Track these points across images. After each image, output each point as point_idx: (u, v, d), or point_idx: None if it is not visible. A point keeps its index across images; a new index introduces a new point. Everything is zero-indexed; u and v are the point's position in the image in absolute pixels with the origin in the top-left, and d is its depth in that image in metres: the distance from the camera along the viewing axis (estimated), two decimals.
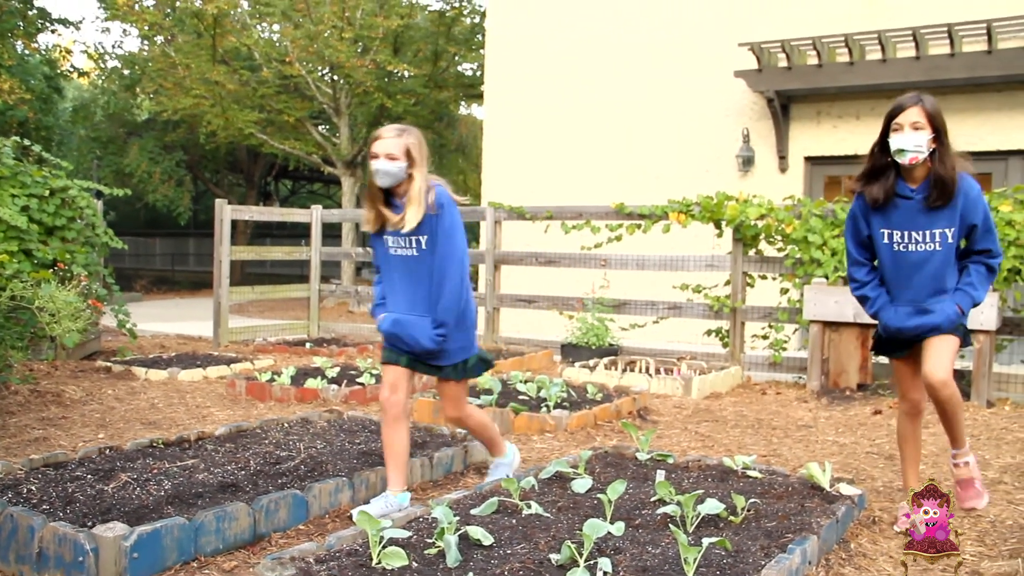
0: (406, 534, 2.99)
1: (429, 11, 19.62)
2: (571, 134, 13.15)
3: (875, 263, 3.78)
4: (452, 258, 3.74)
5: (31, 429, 5.41)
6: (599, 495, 3.50)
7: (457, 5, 18.84)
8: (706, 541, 2.86)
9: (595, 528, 2.87)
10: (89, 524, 3.20)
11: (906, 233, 3.59)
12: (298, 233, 28.81)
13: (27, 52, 22.06)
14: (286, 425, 5.02)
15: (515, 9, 13.76)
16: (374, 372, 6.99)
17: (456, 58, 19.69)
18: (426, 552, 2.92)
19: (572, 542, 2.88)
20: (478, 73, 20.19)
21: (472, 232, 25.30)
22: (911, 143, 3.47)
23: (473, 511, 3.39)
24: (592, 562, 2.80)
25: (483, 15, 19.12)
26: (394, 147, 3.70)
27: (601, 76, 12.97)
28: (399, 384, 3.83)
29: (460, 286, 3.76)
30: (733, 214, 7.99)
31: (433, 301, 3.76)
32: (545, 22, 13.44)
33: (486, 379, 6.26)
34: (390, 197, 3.83)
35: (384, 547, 2.83)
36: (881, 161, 3.61)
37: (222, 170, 28.36)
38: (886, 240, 3.64)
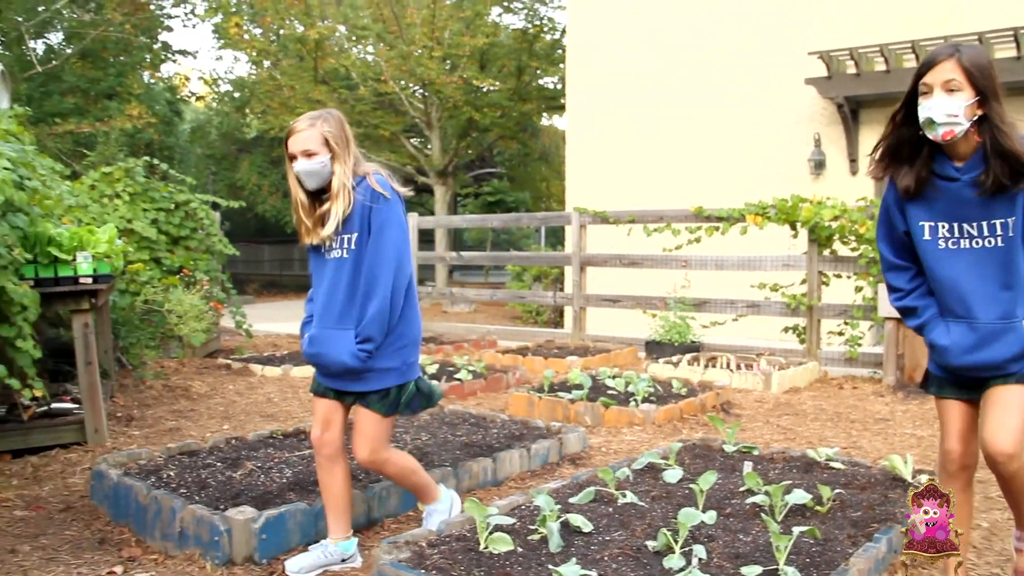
0: (510, 521, 3.01)
1: (512, 29, 19.69)
2: (649, 140, 13.06)
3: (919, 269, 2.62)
4: (383, 260, 2.93)
5: (165, 420, 5.60)
6: (690, 485, 3.47)
7: (539, 23, 18.87)
8: (796, 529, 2.81)
9: (689, 516, 2.84)
10: (222, 507, 3.30)
11: (955, 225, 2.45)
12: None
13: (152, 81, 22.88)
14: None
15: (593, 25, 13.72)
16: (470, 368, 7.03)
17: (538, 72, 19.73)
18: (529, 538, 2.93)
19: (667, 530, 2.86)
20: (558, 86, 20.23)
21: (556, 236, 25.39)
22: (942, 111, 2.34)
23: (571, 500, 3.39)
24: (687, 549, 2.77)
25: (563, 32, 19.13)
26: (310, 141, 2.94)
27: (676, 86, 12.84)
28: (331, 420, 3.10)
29: (391, 294, 2.94)
30: (808, 216, 7.82)
31: (360, 311, 2.97)
32: (622, 35, 13.37)
33: (576, 374, 6.25)
34: (322, 197, 3.04)
35: (490, 533, 2.86)
36: (908, 133, 2.48)
37: None
38: (928, 236, 2.49)
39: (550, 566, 2.58)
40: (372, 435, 3.05)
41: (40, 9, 19.88)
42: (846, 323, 7.92)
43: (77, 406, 5.06)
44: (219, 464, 3.95)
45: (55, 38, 21.63)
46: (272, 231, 29.77)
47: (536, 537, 2.92)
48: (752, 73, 12.15)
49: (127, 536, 3.46)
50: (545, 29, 19.20)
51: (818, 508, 3.29)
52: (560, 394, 5.89)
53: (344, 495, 3.15)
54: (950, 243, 2.47)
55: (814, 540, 2.92)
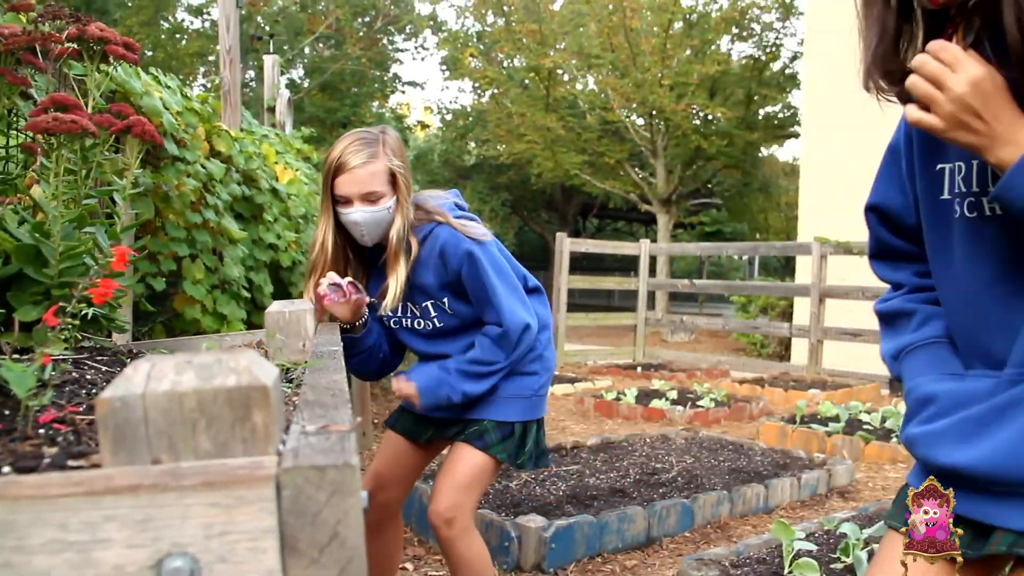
0: (812, 547, 2.92)
1: (743, 56, 19.45)
2: None
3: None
4: (507, 320, 2.09)
5: None
6: None
7: (772, 51, 18.55)
8: None
9: None
10: (503, 514, 3.39)
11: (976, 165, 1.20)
12: (603, 267, 29.39)
13: (382, 109, 24.34)
14: (648, 440, 5.09)
15: (831, 50, 13.28)
16: (712, 396, 6.93)
17: (765, 99, 19.37)
18: (832, 566, 2.83)
19: None
20: (781, 114, 19.81)
21: (766, 268, 24.61)
22: None
23: (865, 531, 3.25)
24: None
25: (793, 58, 18.68)
26: (375, 179, 2.03)
27: None
28: (395, 474, 2.35)
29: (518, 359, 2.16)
30: None
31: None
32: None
33: (828, 407, 6.01)
34: (365, 252, 2.22)
35: (795, 558, 2.78)
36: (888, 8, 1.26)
37: (539, 208, 29.50)
38: (946, 194, 1.27)
39: None
40: (465, 480, 2.13)
41: (285, 48, 21.73)
42: None
43: None
44: None
45: (295, 74, 23.52)
46: None
47: (839, 566, 2.82)
48: None
49: (409, 535, 3.62)
50: (778, 56, 18.87)
51: None
52: (813, 426, 5.69)
53: (395, 564, 2.40)
54: (975, 209, 1.22)
55: None
